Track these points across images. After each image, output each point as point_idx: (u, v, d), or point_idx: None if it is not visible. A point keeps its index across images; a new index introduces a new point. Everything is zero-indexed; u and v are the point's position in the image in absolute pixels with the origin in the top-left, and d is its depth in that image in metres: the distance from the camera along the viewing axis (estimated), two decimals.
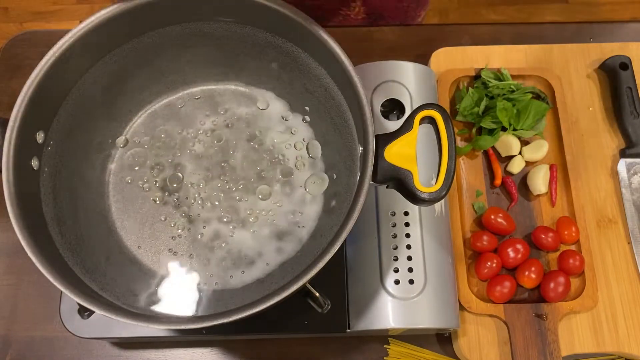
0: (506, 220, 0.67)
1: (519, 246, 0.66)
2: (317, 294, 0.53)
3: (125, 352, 0.66)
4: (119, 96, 0.58)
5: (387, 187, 0.50)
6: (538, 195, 0.70)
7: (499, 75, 0.74)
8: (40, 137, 0.52)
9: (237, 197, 0.57)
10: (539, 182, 0.69)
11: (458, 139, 0.73)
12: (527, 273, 0.65)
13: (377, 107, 0.66)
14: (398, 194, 0.49)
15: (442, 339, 0.67)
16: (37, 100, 0.49)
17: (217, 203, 0.56)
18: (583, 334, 0.65)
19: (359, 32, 0.82)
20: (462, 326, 0.64)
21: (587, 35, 0.81)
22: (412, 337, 0.66)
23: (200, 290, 0.53)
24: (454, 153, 0.47)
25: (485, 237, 0.66)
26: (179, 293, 0.54)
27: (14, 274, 0.69)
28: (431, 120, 0.49)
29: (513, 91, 0.72)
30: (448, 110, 0.73)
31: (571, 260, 0.65)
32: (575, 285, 0.66)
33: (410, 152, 0.47)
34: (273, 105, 0.59)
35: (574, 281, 0.66)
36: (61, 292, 0.48)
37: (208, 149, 0.58)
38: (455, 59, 0.77)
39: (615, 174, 0.72)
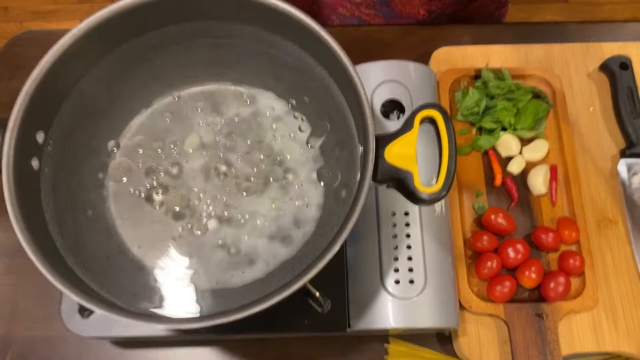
0: (506, 220, 0.67)
1: (519, 246, 0.66)
2: (317, 294, 0.53)
3: (125, 352, 0.66)
4: (119, 96, 0.58)
5: (387, 187, 0.50)
6: (538, 195, 0.70)
7: (499, 75, 0.74)
8: (40, 137, 0.52)
9: (237, 197, 0.57)
10: (539, 182, 0.69)
11: (458, 139, 0.73)
12: (527, 273, 0.65)
13: (377, 107, 0.66)
14: (398, 194, 0.49)
15: (443, 339, 0.67)
16: (37, 100, 0.49)
17: (216, 203, 0.56)
18: (583, 333, 0.65)
19: (359, 32, 0.82)
20: (462, 326, 0.64)
21: (587, 35, 0.81)
22: (412, 336, 0.66)
23: (200, 290, 0.53)
24: (454, 153, 0.47)
25: (485, 237, 0.66)
26: (179, 293, 0.54)
27: (14, 274, 0.69)
28: (431, 120, 0.49)
29: (513, 91, 0.72)
30: (448, 110, 0.73)
31: (571, 260, 0.65)
32: (575, 285, 0.66)
33: (411, 152, 0.47)
34: (273, 105, 0.59)
35: (574, 281, 0.66)
36: (61, 292, 0.48)
37: (208, 149, 0.58)
38: (456, 59, 0.77)
39: (615, 174, 0.72)
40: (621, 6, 1.80)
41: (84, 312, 0.56)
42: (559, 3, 1.82)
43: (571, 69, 0.77)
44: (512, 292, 0.64)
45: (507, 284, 0.64)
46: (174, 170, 0.58)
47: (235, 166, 0.58)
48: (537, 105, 0.71)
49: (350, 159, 0.54)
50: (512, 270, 0.67)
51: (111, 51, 0.56)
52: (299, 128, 0.59)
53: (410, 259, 0.60)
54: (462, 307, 0.64)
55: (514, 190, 0.70)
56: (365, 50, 0.79)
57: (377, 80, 0.67)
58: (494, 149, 0.72)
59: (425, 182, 0.48)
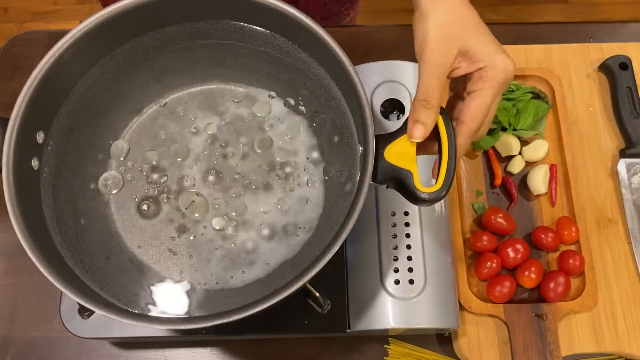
0: (506, 220, 0.67)
1: (519, 246, 0.66)
2: (317, 294, 0.53)
3: (125, 352, 0.66)
4: (119, 96, 0.58)
5: (387, 187, 0.50)
6: (538, 195, 0.70)
7: None
8: (40, 137, 0.52)
9: (237, 197, 0.57)
10: (539, 182, 0.69)
11: None
12: (527, 273, 0.65)
13: (377, 107, 0.66)
14: (398, 194, 0.49)
15: (442, 339, 0.67)
16: (37, 100, 0.49)
17: (216, 203, 0.56)
18: (583, 334, 0.65)
19: (359, 32, 0.82)
20: (462, 326, 0.64)
21: (587, 35, 0.81)
22: (412, 337, 0.66)
23: (200, 290, 0.53)
24: (454, 153, 0.47)
25: (485, 237, 0.66)
26: (179, 293, 0.54)
27: (14, 274, 0.69)
28: None
29: (513, 91, 0.72)
30: None
31: (571, 260, 0.65)
32: (575, 285, 0.66)
33: (410, 152, 0.47)
34: (273, 105, 0.59)
35: (574, 281, 0.66)
36: (61, 292, 0.48)
37: (208, 149, 0.58)
38: None
39: (615, 174, 0.72)
40: (621, 6, 1.80)
41: (83, 312, 0.56)
42: (559, 3, 1.81)
43: (571, 69, 0.77)
44: (512, 293, 0.64)
45: (507, 284, 0.64)
46: (174, 171, 0.58)
47: (234, 166, 0.58)
48: (537, 105, 0.71)
49: (350, 159, 0.54)
50: (512, 271, 0.67)
51: (111, 51, 0.56)
52: (299, 128, 0.59)
53: (410, 259, 0.60)
54: (461, 308, 0.64)
55: (514, 190, 0.70)
56: (365, 50, 0.80)
57: (377, 80, 0.67)
58: (494, 149, 0.72)
59: (425, 182, 0.48)
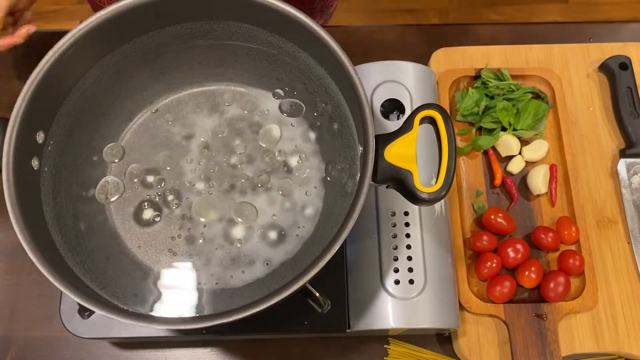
0: (506, 220, 0.67)
1: (519, 246, 0.66)
2: (317, 294, 0.53)
3: (125, 352, 0.66)
4: (119, 96, 0.58)
5: (387, 187, 0.50)
6: (538, 195, 0.70)
7: (499, 75, 0.74)
8: (40, 137, 0.52)
9: (237, 197, 0.57)
10: (539, 182, 0.69)
11: (458, 139, 0.73)
12: (527, 273, 0.65)
13: (377, 107, 0.66)
14: (398, 194, 0.49)
15: (442, 339, 0.67)
16: (37, 100, 0.49)
17: (216, 203, 0.56)
18: (583, 333, 0.65)
19: (359, 32, 0.82)
20: (462, 326, 0.64)
21: (587, 35, 0.82)
22: (412, 337, 0.66)
23: (200, 290, 0.53)
24: (454, 153, 0.47)
25: (485, 237, 0.66)
26: (179, 293, 0.54)
27: (14, 274, 0.69)
28: (431, 120, 0.49)
29: (513, 91, 0.72)
30: (448, 110, 0.73)
31: (571, 260, 0.65)
32: (575, 285, 0.66)
33: (410, 152, 0.47)
34: (273, 106, 0.59)
35: (574, 281, 0.66)
36: (61, 292, 0.48)
37: (208, 149, 0.58)
38: (455, 59, 0.77)
39: (615, 174, 0.72)
40: (621, 6, 1.80)
41: (83, 312, 0.56)
42: (559, 3, 1.81)
43: (571, 69, 0.77)
44: (512, 292, 0.64)
45: (507, 284, 0.64)
46: (174, 171, 0.58)
47: (235, 166, 0.58)
48: (536, 105, 0.71)
49: (350, 159, 0.54)
50: (512, 270, 0.67)
51: (111, 51, 0.56)
52: (299, 128, 0.59)
53: (410, 259, 0.60)
54: (462, 308, 0.64)
55: (514, 190, 0.70)
56: (365, 50, 0.80)
57: (377, 80, 0.67)
58: (494, 149, 0.72)
59: (425, 182, 0.48)
